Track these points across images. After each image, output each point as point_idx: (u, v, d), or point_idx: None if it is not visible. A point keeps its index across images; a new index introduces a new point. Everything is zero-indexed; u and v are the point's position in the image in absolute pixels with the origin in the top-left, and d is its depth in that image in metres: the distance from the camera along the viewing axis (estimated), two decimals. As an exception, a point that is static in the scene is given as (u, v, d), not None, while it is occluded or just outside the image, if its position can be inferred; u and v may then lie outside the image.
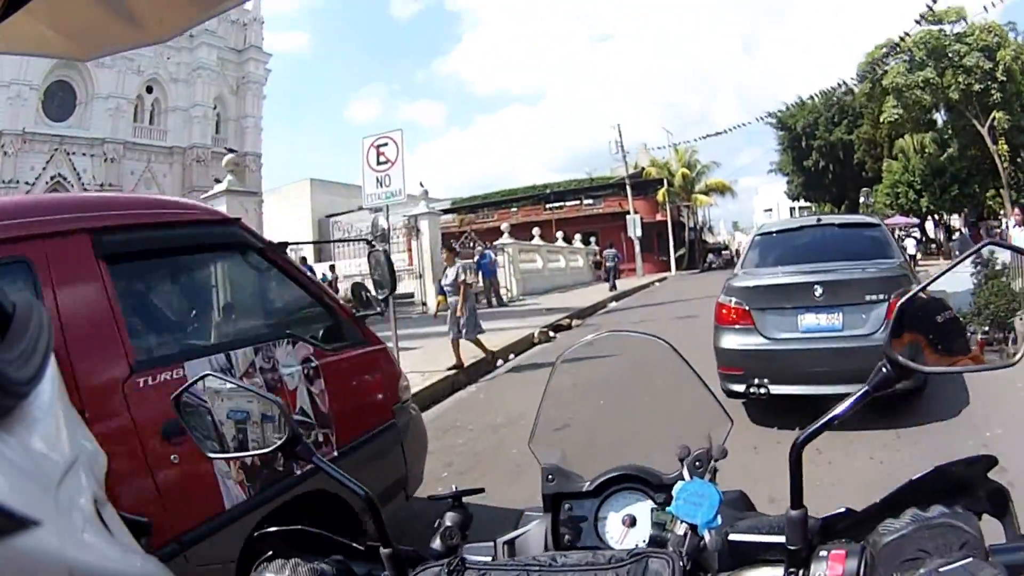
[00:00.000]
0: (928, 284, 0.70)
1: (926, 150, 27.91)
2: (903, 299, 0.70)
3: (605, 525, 0.94)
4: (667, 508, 0.80)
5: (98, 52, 0.81)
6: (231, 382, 0.93)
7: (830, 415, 0.73)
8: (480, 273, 16.43)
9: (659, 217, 34.90)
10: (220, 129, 31.92)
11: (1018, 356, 0.67)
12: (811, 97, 32.45)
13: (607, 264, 21.49)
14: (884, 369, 0.70)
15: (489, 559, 0.87)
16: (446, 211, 41.71)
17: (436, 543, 0.91)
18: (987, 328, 0.69)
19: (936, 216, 27.31)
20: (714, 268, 36.38)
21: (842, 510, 0.77)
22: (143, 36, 0.72)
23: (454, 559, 0.78)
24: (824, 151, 36.78)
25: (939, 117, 29.58)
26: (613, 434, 1.12)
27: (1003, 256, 0.69)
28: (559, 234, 27.17)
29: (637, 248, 27.97)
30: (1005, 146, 24.92)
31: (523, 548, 0.94)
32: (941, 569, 0.59)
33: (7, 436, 0.27)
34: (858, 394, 0.72)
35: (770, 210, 69.33)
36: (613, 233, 32.35)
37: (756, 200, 68.50)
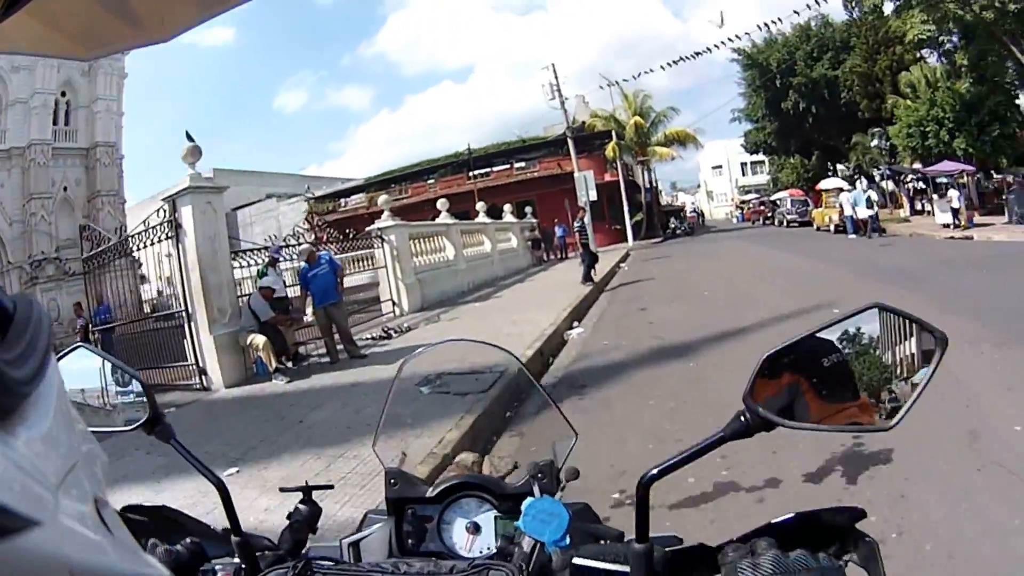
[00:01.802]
0: (797, 338, 0.67)
1: (938, 84, 22.07)
2: (768, 353, 0.67)
3: (450, 531, 0.94)
4: (515, 523, 0.78)
5: (98, 52, 0.80)
6: (101, 355, 0.91)
7: (681, 456, 0.71)
8: (310, 296, 8.25)
9: (608, 177, 28.17)
10: (71, 120, 27.21)
11: (895, 421, 0.66)
12: (775, 21, 26.29)
13: (581, 240, 14.23)
14: (743, 418, 0.68)
15: (334, 560, 0.85)
16: (356, 189, 35.33)
17: (286, 535, 0.90)
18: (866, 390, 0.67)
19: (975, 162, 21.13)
20: (678, 235, 30.81)
21: (694, 545, 0.76)
22: (144, 36, 0.73)
23: (300, 561, 0.76)
24: (804, 91, 30.71)
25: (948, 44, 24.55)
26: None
27: (871, 328, 0.67)
28: (480, 206, 19.52)
29: (588, 217, 19.99)
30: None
31: (367, 550, 0.94)
32: None
33: (8, 436, 0.28)
34: (712, 439, 0.70)
35: (719, 167, 63.80)
36: (553, 200, 25.76)
37: (701, 157, 62.48)
